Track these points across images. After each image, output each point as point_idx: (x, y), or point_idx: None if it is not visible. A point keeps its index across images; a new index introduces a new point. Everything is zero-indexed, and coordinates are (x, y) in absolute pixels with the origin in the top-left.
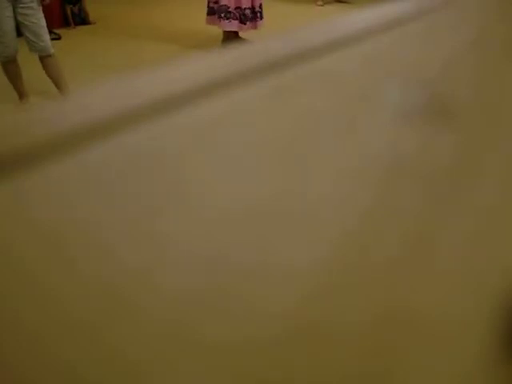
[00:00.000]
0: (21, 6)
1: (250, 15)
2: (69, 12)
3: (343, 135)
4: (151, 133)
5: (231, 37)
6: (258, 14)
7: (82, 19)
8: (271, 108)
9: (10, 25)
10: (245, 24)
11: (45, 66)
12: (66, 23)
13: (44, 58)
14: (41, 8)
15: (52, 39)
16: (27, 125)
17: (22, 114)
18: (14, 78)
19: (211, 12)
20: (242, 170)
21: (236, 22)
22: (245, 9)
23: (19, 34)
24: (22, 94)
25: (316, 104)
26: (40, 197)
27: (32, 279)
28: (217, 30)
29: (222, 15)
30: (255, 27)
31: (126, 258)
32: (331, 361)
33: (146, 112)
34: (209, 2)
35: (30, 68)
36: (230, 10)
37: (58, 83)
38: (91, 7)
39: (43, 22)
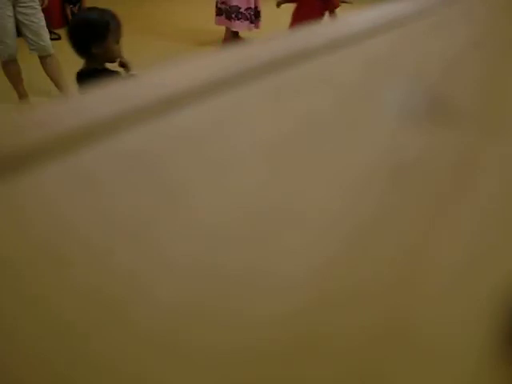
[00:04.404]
0: (21, 5)
1: (255, 14)
2: (69, 12)
3: (344, 137)
4: (149, 134)
5: (232, 36)
6: (259, 14)
7: None
8: (271, 108)
9: (10, 24)
10: (253, 23)
11: (45, 66)
12: (66, 23)
13: (44, 58)
14: (40, 8)
15: (52, 39)
16: (23, 126)
17: (19, 114)
18: (14, 77)
19: (219, 12)
20: (241, 171)
21: (247, 22)
22: (252, 9)
23: (19, 33)
24: (21, 94)
25: (316, 104)
26: (35, 198)
27: (25, 281)
28: (217, 29)
29: (233, 15)
30: (258, 27)
31: (122, 262)
32: (328, 371)
33: (144, 113)
34: (217, 3)
35: (30, 68)
36: (241, 10)
37: (57, 83)
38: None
39: (43, 22)
